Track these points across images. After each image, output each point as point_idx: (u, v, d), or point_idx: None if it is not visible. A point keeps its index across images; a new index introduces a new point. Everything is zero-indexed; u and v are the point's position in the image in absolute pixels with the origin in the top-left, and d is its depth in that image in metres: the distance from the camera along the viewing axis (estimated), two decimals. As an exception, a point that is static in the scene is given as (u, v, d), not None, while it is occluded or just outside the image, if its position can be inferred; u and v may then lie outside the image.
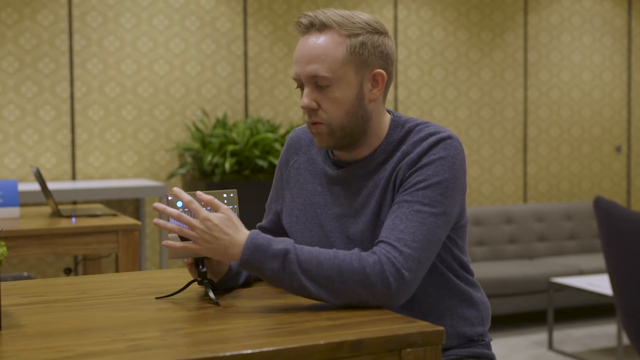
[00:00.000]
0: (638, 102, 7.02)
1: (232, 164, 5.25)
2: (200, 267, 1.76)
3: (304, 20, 1.83)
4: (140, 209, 5.46)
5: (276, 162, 4.61)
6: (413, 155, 1.81)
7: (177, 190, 1.70)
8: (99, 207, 3.97)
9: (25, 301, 1.77)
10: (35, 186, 4.94)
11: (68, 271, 3.86)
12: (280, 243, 1.67)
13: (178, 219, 1.66)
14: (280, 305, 1.72)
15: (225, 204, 1.78)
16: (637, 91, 7.01)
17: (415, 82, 6.22)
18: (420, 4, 6.22)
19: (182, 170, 5.45)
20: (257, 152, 5.31)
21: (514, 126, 6.56)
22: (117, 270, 3.49)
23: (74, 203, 5.38)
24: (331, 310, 1.66)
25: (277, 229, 2.07)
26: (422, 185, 1.77)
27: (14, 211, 3.59)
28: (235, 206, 1.78)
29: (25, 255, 3.29)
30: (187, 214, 1.73)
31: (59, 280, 2.00)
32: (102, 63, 5.38)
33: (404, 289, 1.68)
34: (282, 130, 5.82)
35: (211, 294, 1.73)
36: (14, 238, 3.26)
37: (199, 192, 1.71)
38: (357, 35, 1.81)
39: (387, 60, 1.85)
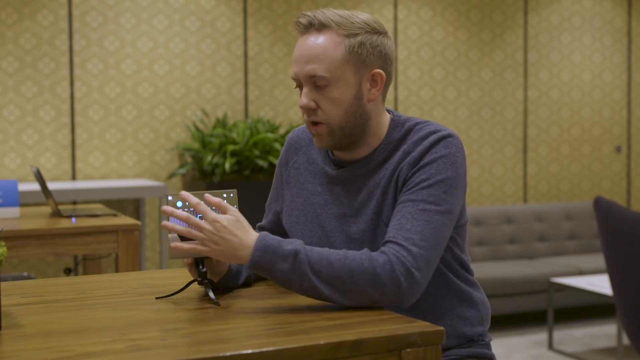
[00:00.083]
0: (638, 102, 7.02)
1: (232, 164, 5.25)
2: (200, 267, 1.76)
3: (303, 20, 1.83)
4: (140, 209, 5.46)
5: (276, 162, 4.61)
6: (415, 154, 1.81)
7: (185, 193, 1.70)
8: (99, 207, 3.97)
9: (25, 301, 1.77)
10: (35, 186, 4.94)
11: (68, 271, 3.86)
12: (290, 244, 1.67)
13: (186, 221, 1.66)
14: (280, 305, 1.72)
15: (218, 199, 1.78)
16: (637, 91, 7.01)
17: (415, 82, 6.22)
18: (420, 4, 6.22)
19: (182, 170, 5.45)
20: (257, 152, 5.32)
21: (514, 126, 6.56)
22: (117, 270, 3.49)
23: (74, 203, 5.39)
24: (331, 310, 1.67)
25: (277, 229, 2.07)
26: (425, 183, 1.77)
27: (14, 211, 3.59)
28: (235, 206, 1.78)
29: (25, 255, 3.29)
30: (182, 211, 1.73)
31: (59, 280, 2.00)
32: (102, 63, 5.39)
33: (413, 288, 1.68)
34: (282, 130, 5.82)
35: (211, 294, 1.73)
36: (14, 238, 3.26)
37: (207, 195, 1.71)
38: (356, 35, 1.81)
39: (386, 60, 1.85)
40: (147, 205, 5.54)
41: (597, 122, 6.87)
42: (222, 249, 1.66)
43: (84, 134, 5.36)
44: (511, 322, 5.78)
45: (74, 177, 5.37)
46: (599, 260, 5.97)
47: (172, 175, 5.50)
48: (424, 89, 6.26)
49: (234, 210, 1.69)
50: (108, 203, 5.46)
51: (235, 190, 1.81)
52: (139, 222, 3.43)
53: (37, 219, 3.53)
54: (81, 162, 5.38)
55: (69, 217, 3.59)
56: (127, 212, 5.52)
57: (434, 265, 1.74)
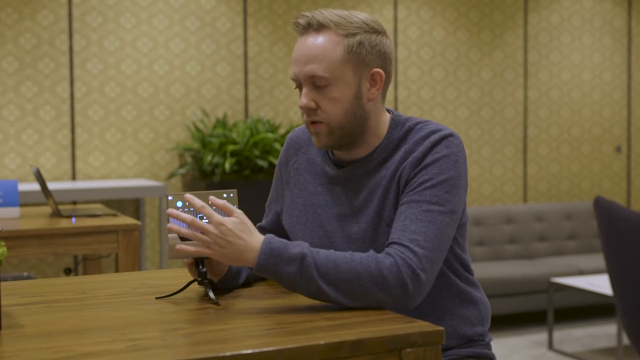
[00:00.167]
0: (638, 102, 7.02)
1: (232, 164, 5.25)
2: (200, 267, 1.76)
3: (302, 21, 1.83)
4: (140, 209, 5.46)
5: (276, 162, 4.61)
6: (417, 154, 1.81)
7: (189, 196, 1.69)
8: (99, 207, 3.97)
9: (25, 301, 1.77)
10: (35, 186, 4.94)
11: (68, 271, 3.86)
12: (296, 247, 1.66)
13: (192, 224, 1.65)
14: (280, 305, 1.72)
15: (224, 201, 1.77)
16: (637, 91, 7.01)
17: (415, 82, 6.22)
18: (420, 4, 6.22)
19: (182, 170, 5.45)
20: (257, 152, 5.32)
21: (514, 126, 6.56)
22: (117, 270, 3.49)
23: (74, 203, 5.39)
24: (331, 310, 1.67)
25: (277, 230, 2.07)
26: (428, 184, 1.77)
27: (14, 211, 3.59)
28: (235, 206, 1.78)
29: (25, 255, 3.29)
30: (187, 214, 1.73)
31: (59, 280, 2.00)
32: (102, 63, 5.39)
33: (419, 289, 1.68)
34: (282, 130, 5.82)
35: (211, 294, 1.73)
36: (14, 238, 3.26)
37: (212, 197, 1.70)
38: (355, 34, 1.81)
39: (385, 60, 1.85)
40: (147, 205, 5.54)
41: (597, 122, 6.87)
42: (227, 252, 1.66)
43: (84, 134, 5.36)
44: (511, 322, 5.78)
45: (74, 177, 5.37)
46: (599, 260, 5.97)
47: (172, 175, 5.50)
48: (424, 89, 6.26)
49: (239, 212, 1.69)
50: (108, 203, 5.46)
51: (235, 190, 1.81)
52: (139, 222, 3.43)
53: (37, 219, 3.53)
54: (81, 162, 5.38)
55: (69, 217, 3.59)
56: (127, 212, 5.52)
57: (439, 266, 1.74)
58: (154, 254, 5.57)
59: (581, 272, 5.69)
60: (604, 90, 6.88)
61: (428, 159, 1.80)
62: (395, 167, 1.84)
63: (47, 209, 3.91)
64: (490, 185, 6.51)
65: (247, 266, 1.74)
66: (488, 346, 1.97)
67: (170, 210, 1.67)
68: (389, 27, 6.14)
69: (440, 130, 1.83)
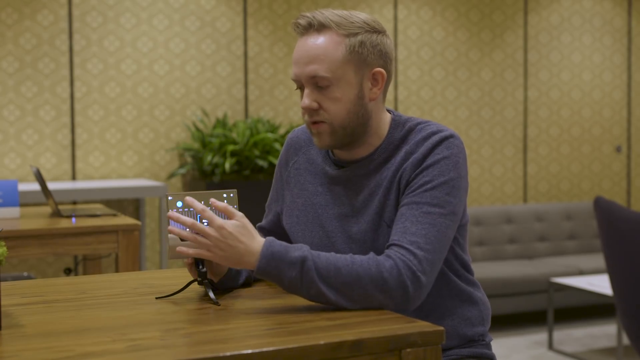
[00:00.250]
0: (638, 102, 7.02)
1: (232, 164, 5.25)
2: (200, 267, 1.76)
3: (302, 21, 1.83)
4: (140, 209, 5.46)
5: (276, 162, 4.61)
6: (417, 155, 1.81)
7: (190, 199, 1.70)
8: (99, 207, 3.97)
9: (25, 301, 1.76)
10: (35, 186, 4.94)
11: (68, 271, 3.86)
12: (297, 250, 1.66)
13: (192, 227, 1.66)
14: (280, 305, 1.72)
15: (226, 204, 1.77)
16: (637, 91, 7.01)
17: (415, 82, 6.22)
18: (420, 4, 6.22)
19: (182, 170, 5.45)
20: (257, 152, 5.32)
21: (514, 126, 6.56)
22: (117, 270, 3.49)
23: (74, 203, 5.39)
24: (331, 310, 1.67)
25: (277, 230, 2.07)
26: (429, 186, 1.77)
27: (14, 211, 3.59)
28: (235, 206, 1.78)
29: (25, 255, 3.29)
30: (187, 214, 1.73)
31: (59, 280, 2.00)
32: (102, 63, 5.39)
33: (419, 292, 1.68)
34: (282, 130, 5.82)
35: (211, 294, 1.73)
36: (14, 238, 3.26)
37: (212, 199, 1.70)
38: (356, 34, 1.81)
39: (386, 59, 1.85)
40: (147, 205, 5.54)
41: (597, 122, 6.87)
42: (227, 255, 1.66)
43: (84, 134, 5.36)
44: (511, 322, 5.78)
45: (74, 177, 5.37)
46: (599, 260, 5.97)
47: (172, 175, 5.50)
48: (424, 89, 6.26)
49: (240, 215, 1.68)
50: (108, 203, 5.46)
51: (235, 190, 1.81)
52: (139, 222, 3.43)
53: (37, 219, 3.53)
54: (81, 162, 5.38)
55: (69, 217, 3.59)
56: (127, 212, 5.52)
57: (438, 268, 1.74)
58: (154, 254, 5.57)
59: (581, 272, 5.69)
60: (604, 90, 6.88)
61: (429, 161, 1.80)
62: (396, 167, 1.84)
63: (47, 209, 3.91)
64: (490, 185, 6.51)
65: (248, 269, 1.74)
66: (488, 346, 1.98)
67: (171, 213, 1.67)
68: (389, 27, 6.14)
69: (441, 131, 1.83)
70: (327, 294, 1.65)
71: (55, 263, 5.38)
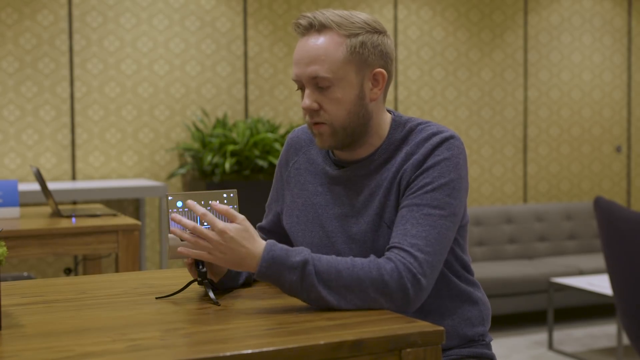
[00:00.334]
0: (638, 102, 7.02)
1: (232, 164, 5.25)
2: (200, 267, 1.76)
3: (303, 22, 1.82)
4: (140, 209, 5.46)
5: (276, 162, 4.61)
6: (418, 156, 1.81)
7: (191, 202, 1.70)
8: (99, 207, 3.97)
9: (25, 301, 1.76)
10: (35, 186, 4.94)
11: (68, 271, 3.86)
12: (298, 254, 1.66)
13: (193, 230, 1.66)
14: (280, 305, 1.72)
15: (225, 204, 1.77)
16: (637, 91, 7.01)
17: (415, 82, 6.22)
18: (420, 4, 6.22)
19: (182, 170, 5.45)
20: (257, 152, 5.32)
21: (514, 126, 6.56)
22: (117, 270, 3.49)
23: (74, 203, 5.39)
24: (331, 310, 1.66)
25: (277, 230, 2.07)
26: (429, 187, 1.77)
27: (14, 211, 3.59)
28: (235, 206, 1.78)
29: (25, 255, 3.29)
30: (187, 214, 1.73)
31: (59, 280, 2.00)
32: (102, 63, 5.39)
33: (420, 294, 1.69)
34: (282, 130, 5.82)
35: (211, 294, 1.73)
36: (14, 238, 3.26)
37: (213, 202, 1.70)
38: (357, 35, 1.81)
39: (386, 59, 1.85)
40: (147, 205, 5.54)
41: (597, 122, 6.87)
42: (228, 258, 1.66)
43: (84, 134, 5.36)
44: (511, 322, 5.78)
45: (74, 177, 5.37)
46: (599, 260, 5.97)
47: (172, 175, 5.50)
48: (424, 89, 6.26)
49: (241, 218, 1.68)
50: (108, 203, 5.46)
51: (235, 190, 1.81)
52: (139, 222, 3.43)
53: (37, 219, 3.53)
54: (81, 162, 5.38)
55: (69, 217, 3.59)
56: (127, 212, 5.52)
57: (439, 270, 1.74)
58: (154, 254, 5.57)
59: (581, 272, 5.69)
60: (604, 90, 6.88)
61: (429, 162, 1.80)
62: (396, 168, 1.84)
63: (47, 209, 3.91)
64: (490, 185, 6.51)
65: (249, 271, 1.74)
66: (488, 346, 1.98)
67: (174, 215, 1.67)
68: (389, 27, 6.14)
69: (441, 132, 1.83)
70: (327, 298, 1.65)
71: (55, 263, 5.38)
